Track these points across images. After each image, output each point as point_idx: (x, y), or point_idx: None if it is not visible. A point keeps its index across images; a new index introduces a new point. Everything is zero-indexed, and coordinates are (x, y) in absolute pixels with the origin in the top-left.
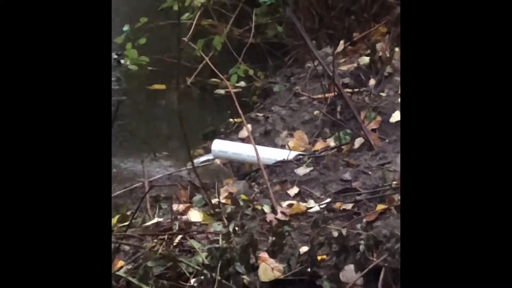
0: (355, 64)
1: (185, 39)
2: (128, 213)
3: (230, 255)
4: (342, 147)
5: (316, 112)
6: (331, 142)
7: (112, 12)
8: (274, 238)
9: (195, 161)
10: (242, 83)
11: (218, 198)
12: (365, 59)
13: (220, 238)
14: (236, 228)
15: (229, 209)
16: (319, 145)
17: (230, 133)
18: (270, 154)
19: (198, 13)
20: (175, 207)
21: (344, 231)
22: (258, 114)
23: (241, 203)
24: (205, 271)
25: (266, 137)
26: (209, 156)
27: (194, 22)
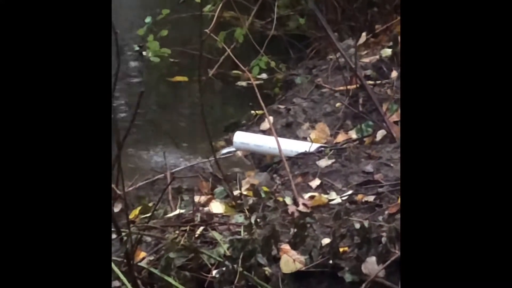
0: (377, 56)
1: (207, 30)
2: (150, 204)
3: (251, 246)
4: (364, 139)
5: (338, 104)
6: (353, 134)
7: (134, 3)
8: (295, 230)
9: (217, 153)
10: (264, 75)
11: (240, 190)
12: (387, 51)
13: (242, 229)
14: (258, 219)
15: (250, 200)
16: (341, 137)
17: (252, 125)
18: (291, 146)
19: (220, 5)
20: (196, 198)
21: (366, 223)
22: (280, 106)
23: (263, 195)
24: (226, 263)
25: (288, 129)
26: (231, 148)
27: (216, 14)
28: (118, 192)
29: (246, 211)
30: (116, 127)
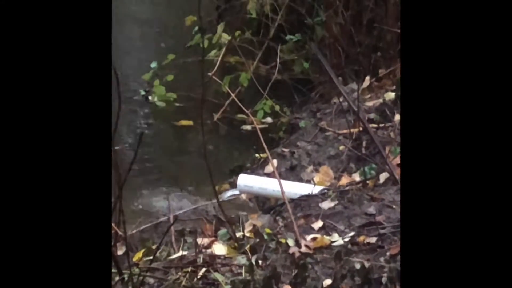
0: (381, 100)
1: (209, 74)
2: (154, 247)
3: (253, 287)
4: (367, 181)
5: (341, 147)
6: (357, 177)
7: (140, 48)
8: (297, 270)
9: (221, 195)
10: (269, 119)
11: (243, 231)
12: (391, 95)
13: (243, 270)
14: (259, 260)
15: (252, 241)
16: (344, 180)
17: (256, 168)
18: (295, 189)
19: (224, 49)
20: (199, 241)
21: (366, 264)
22: (284, 149)
23: (265, 236)
24: None
25: (292, 172)
26: (235, 191)
27: (220, 58)
28: (120, 233)
29: (248, 252)
30: (118, 169)
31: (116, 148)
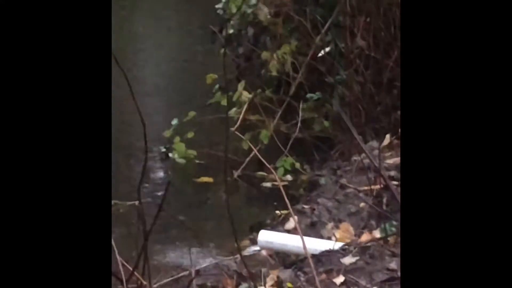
0: None
1: (232, 129)
2: None
3: None
4: (388, 238)
5: (362, 204)
6: (377, 234)
7: (160, 105)
8: None
9: (242, 252)
10: (289, 177)
11: (264, 286)
12: None
13: None
14: None
15: None
16: (365, 237)
17: (277, 225)
18: (316, 245)
19: (245, 106)
20: None
21: None
22: (304, 206)
23: None
24: None
25: (312, 229)
26: (256, 247)
27: (241, 115)
28: (145, 283)
29: None
30: (144, 220)
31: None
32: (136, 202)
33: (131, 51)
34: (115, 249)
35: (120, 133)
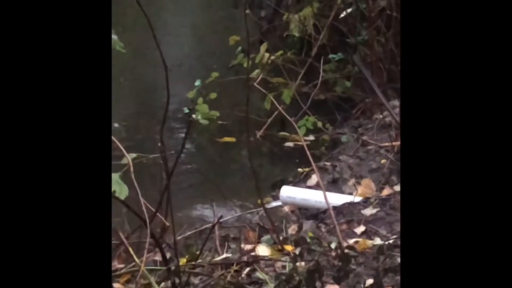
0: None
1: (255, 83)
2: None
3: (297, 279)
4: None
5: (383, 160)
6: (398, 189)
7: (185, 69)
8: (340, 264)
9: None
10: (311, 137)
11: (285, 234)
12: None
13: (287, 262)
14: (303, 257)
15: (296, 240)
16: (386, 192)
17: (298, 182)
18: (337, 199)
19: (266, 62)
20: (243, 246)
21: None
22: (326, 163)
23: (308, 239)
24: None
25: (334, 185)
26: (278, 203)
27: (261, 72)
28: (167, 224)
29: (292, 247)
30: (166, 161)
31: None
32: (159, 144)
33: (156, 16)
34: (139, 191)
35: (147, 95)
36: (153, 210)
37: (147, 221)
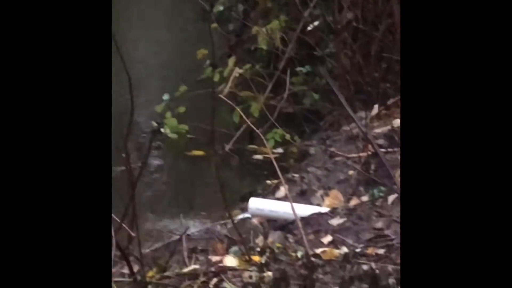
0: (389, 127)
1: (221, 95)
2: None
3: None
4: (376, 203)
5: (350, 172)
6: (365, 199)
7: (152, 80)
8: (306, 272)
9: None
10: (280, 149)
11: (253, 244)
12: (399, 122)
13: (253, 271)
14: (268, 260)
15: (263, 250)
16: (353, 202)
17: (267, 194)
18: (305, 211)
19: (233, 76)
20: (211, 258)
21: (373, 265)
22: (294, 175)
23: (276, 250)
24: None
25: (302, 197)
26: (247, 215)
27: (229, 83)
28: (133, 235)
29: (257, 254)
30: (131, 172)
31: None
32: (123, 155)
33: (123, 30)
34: None
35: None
36: (119, 221)
37: (113, 232)
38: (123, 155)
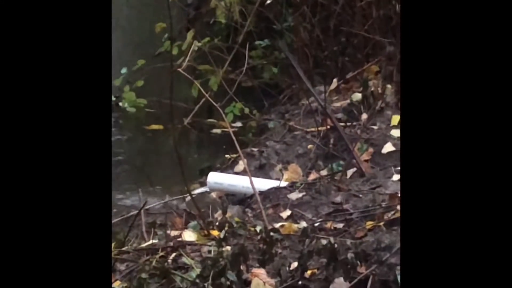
0: (348, 101)
1: (180, 69)
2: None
3: (222, 263)
4: (335, 177)
5: (309, 146)
6: (324, 173)
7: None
8: (265, 247)
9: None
10: (239, 124)
11: (212, 219)
12: (358, 96)
13: (212, 246)
14: (227, 234)
15: (221, 225)
16: (312, 176)
17: (226, 168)
18: (264, 185)
19: (191, 50)
20: (170, 232)
21: (332, 240)
22: (253, 149)
23: (234, 224)
24: (197, 280)
25: (261, 171)
26: (205, 189)
27: (187, 58)
28: None
29: (217, 232)
30: None
31: None
32: None
33: None
34: None
35: None
36: None
37: None
38: None
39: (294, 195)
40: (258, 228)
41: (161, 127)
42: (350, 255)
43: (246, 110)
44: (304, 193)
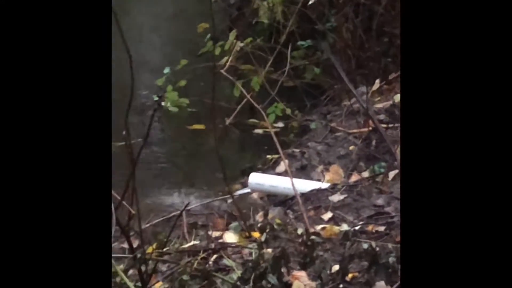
0: (391, 102)
1: (222, 70)
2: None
3: (263, 266)
4: (377, 179)
5: (351, 147)
6: (366, 175)
7: (153, 55)
8: (306, 250)
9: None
10: (280, 124)
11: (253, 220)
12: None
13: (253, 249)
14: (268, 237)
15: (263, 226)
16: (354, 178)
17: (267, 169)
18: (305, 186)
19: (233, 51)
20: (211, 233)
21: (373, 243)
22: (295, 150)
23: (276, 226)
24: (238, 283)
25: (302, 172)
26: (247, 190)
27: (230, 58)
28: (133, 212)
29: (258, 234)
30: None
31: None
32: (123, 132)
33: (124, 4)
34: None
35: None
36: (119, 198)
37: (113, 209)
38: (123, 132)
39: (336, 197)
40: (299, 231)
41: (203, 127)
42: (391, 259)
43: (288, 111)
44: (345, 195)
